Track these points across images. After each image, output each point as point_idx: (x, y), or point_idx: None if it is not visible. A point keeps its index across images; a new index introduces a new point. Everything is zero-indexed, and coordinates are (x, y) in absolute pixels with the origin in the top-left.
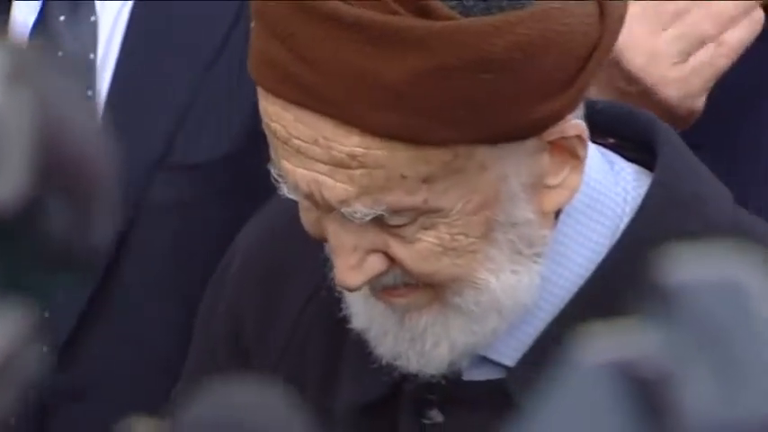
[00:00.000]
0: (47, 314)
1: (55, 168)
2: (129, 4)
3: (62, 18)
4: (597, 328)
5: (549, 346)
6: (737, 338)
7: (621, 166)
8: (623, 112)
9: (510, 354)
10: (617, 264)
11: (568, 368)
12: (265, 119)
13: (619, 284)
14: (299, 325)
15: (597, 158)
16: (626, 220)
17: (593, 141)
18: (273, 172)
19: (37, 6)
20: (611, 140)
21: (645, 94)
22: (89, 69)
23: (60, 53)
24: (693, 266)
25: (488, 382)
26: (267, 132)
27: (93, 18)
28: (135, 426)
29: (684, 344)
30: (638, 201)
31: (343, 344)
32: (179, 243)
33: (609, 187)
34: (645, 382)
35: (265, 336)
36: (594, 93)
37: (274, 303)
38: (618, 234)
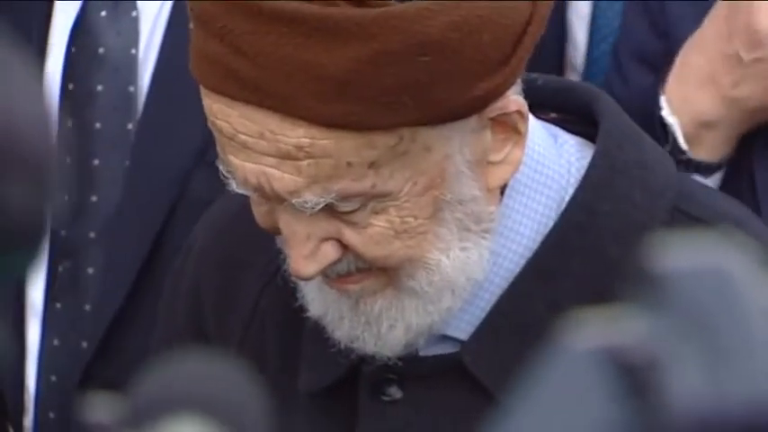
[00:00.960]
0: (87, 307)
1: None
2: (170, 3)
3: (103, 14)
4: (584, 313)
5: (501, 319)
6: (722, 323)
7: (564, 139)
8: (564, 87)
9: (464, 328)
10: (563, 234)
11: (555, 353)
12: (210, 117)
13: (565, 255)
14: (256, 313)
15: (540, 132)
16: (570, 191)
17: (536, 116)
18: (222, 168)
19: (78, 4)
20: (554, 115)
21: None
22: (131, 65)
23: (101, 50)
24: (679, 252)
25: (443, 356)
26: (213, 130)
27: (134, 14)
28: (94, 401)
29: (670, 329)
30: (582, 172)
31: (300, 330)
32: None
33: (553, 160)
34: (632, 367)
35: (224, 322)
36: (703, 63)
37: (232, 290)
38: (563, 205)
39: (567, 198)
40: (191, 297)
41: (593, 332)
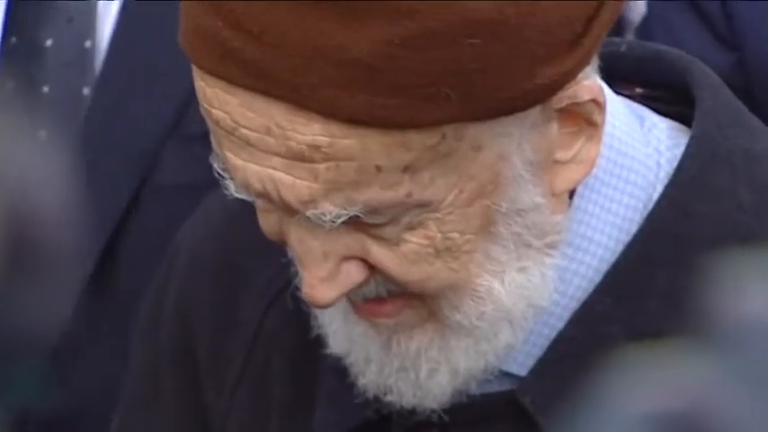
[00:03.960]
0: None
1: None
2: None
3: None
4: (635, 355)
5: (569, 349)
6: None
7: (653, 122)
8: (651, 54)
9: (523, 361)
10: (648, 243)
11: (603, 413)
12: (204, 104)
13: (651, 269)
14: (260, 338)
15: (622, 114)
16: (659, 188)
17: (618, 92)
18: (217, 166)
19: None
20: (640, 90)
21: None
22: (88, 15)
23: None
24: (751, 292)
25: (496, 395)
26: (208, 120)
27: None
28: None
29: (737, 384)
30: (675, 163)
31: (316, 357)
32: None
33: (638, 149)
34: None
35: (220, 350)
36: None
37: (230, 311)
38: (650, 206)
39: (656, 197)
40: (177, 318)
41: (647, 390)
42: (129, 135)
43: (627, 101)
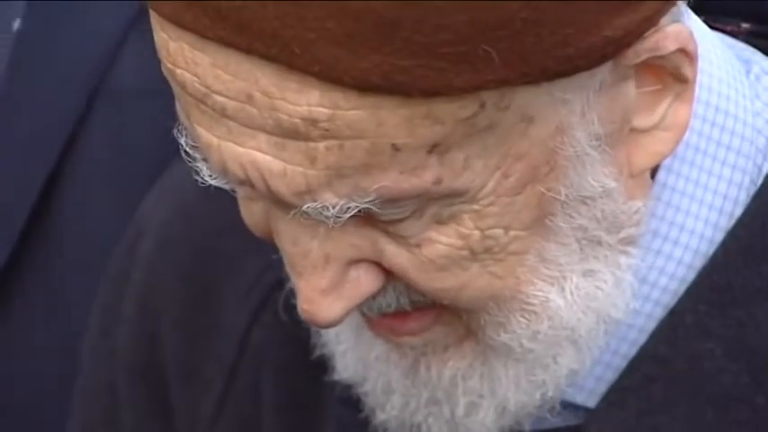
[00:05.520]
0: None
1: None
2: None
3: None
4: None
5: (651, 372)
6: None
7: (763, 68)
8: None
9: (591, 387)
10: (758, 230)
11: None
12: (167, 63)
13: (760, 265)
14: (247, 353)
15: (722, 60)
16: None
17: (715, 29)
18: (184, 142)
19: None
20: (746, 26)
21: None
22: None
23: None
24: None
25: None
26: (172, 84)
27: None
28: None
29: None
30: None
31: (319, 385)
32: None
33: (743, 106)
34: None
35: (194, 367)
36: None
37: (207, 313)
38: (759, 180)
39: (767, 168)
40: (139, 323)
41: None
42: (46, 91)
43: (728, 40)
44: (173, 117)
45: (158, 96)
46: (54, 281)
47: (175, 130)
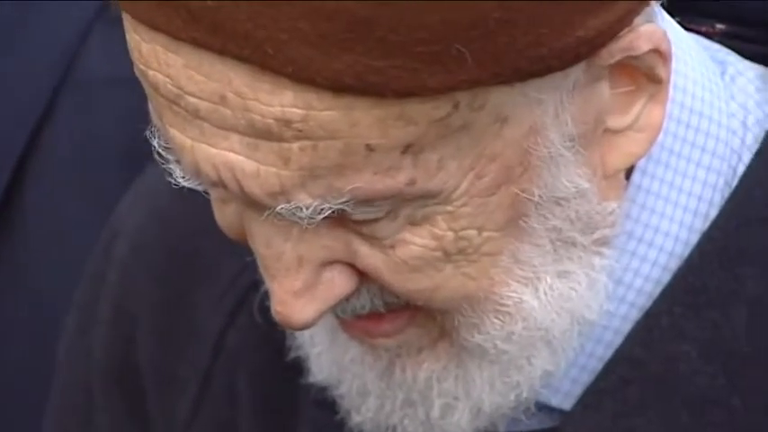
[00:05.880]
0: None
1: None
2: None
3: None
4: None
5: (626, 374)
6: None
7: (738, 70)
8: None
9: (566, 389)
10: (733, 231)
11: None
12: (139, 65)
13: (737, 263)
14: (222, 356)
15: (698, 62)
16: (746, 158)
17: (690, 30)
18: (156, 144)
19: None
20: (720, 27)
21: None
22: None
23: None
24: None
25: None
26: (144, 85)
27: None
28: None
29: None
30: (767, 125)
31: (294, 387)
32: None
33: (717, 107)
34: None
35: (170, 370)
36: None
37: (182, 316)
38: (734, 182)
39: (741, 169)
40: (114, 326)
41: None
42: (17, 76)
43: (703, 41)
44: (141, 106)
45: (127, 85)
46: (21, 274)
47: (148, 132)
